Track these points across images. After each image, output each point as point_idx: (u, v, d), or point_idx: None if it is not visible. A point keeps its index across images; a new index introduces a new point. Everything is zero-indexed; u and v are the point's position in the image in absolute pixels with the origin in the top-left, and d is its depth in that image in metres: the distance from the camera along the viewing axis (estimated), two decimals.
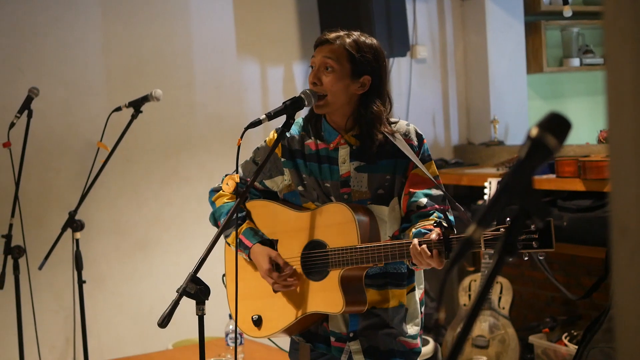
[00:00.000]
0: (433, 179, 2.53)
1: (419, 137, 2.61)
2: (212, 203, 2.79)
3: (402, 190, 2.57)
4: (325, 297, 2.53)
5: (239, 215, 2.68)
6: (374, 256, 2.45)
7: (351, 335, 2.59)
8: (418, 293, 2.67)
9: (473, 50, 5.75)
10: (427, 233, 2.40)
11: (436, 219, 2.48)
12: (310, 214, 2.59)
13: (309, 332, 2.67)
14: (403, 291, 2.61)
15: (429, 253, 2.33)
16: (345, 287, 2.50)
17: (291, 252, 2.62)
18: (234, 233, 2.64)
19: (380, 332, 2.59)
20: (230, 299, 2.75)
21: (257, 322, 2.68)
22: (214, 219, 2.76)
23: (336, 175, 2.59)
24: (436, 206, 2.53)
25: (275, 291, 2.65)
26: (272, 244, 2.68)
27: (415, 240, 2.36)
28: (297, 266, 2.61)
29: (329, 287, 2.52)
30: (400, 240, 2.46)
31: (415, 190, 2.54)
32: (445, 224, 2.35)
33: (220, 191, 2.77)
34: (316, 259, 2.57)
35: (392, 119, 2.62)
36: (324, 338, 2.64)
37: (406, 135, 2.58)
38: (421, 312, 2.69)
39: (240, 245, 2.66)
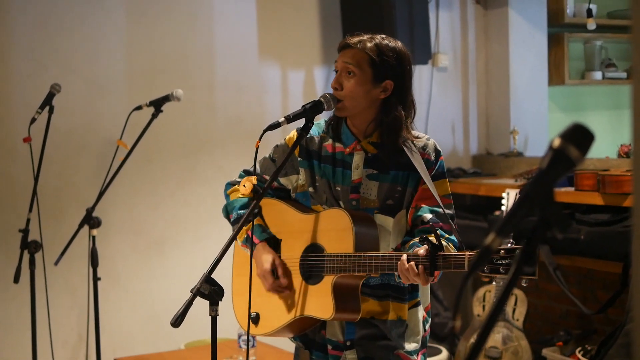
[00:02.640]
0: (438, 199, 2.48)
1: (437, 152, 2.58)
2: (227, 196, 2.80)
3: (411, 203, 2.56)
4: (318, 302, 2.53)
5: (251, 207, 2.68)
6: (365, 265, 2.43)
7: (348, 343, 2.58)
8: (422, 309, 2.64)
9: (495, 60, 5.73)
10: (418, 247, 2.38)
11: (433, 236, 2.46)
12: (314, 217, 2.59)
13: (308, 338, 2.67)
14: (404, 305, 2.58)
15: (416, 270, 2.31)
16: (337, 293, 2.48)
17: (292, 253, 2.63)
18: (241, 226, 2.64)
19: (377, 343, 2.57)
20: (234, 293, 2.78)
21: (255, 319, 2.68)
22: (226, 212, 2.77)
23: (348, 180, 2.58)
24: (441, 224, 2.50)
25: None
26: (277, 243, 2.68)
27: (404, 256, 2.35)
28: (296, 268, 2.61)
29: (322, 292, 2.52)
30: (391, 252, 2.45)
31: (422, 205, 2.52)
32: (435, 242, 2.32)
33: (236, 185, 2.77)
34: (313, 262, 2.57)
35: (415, 133, 2.60)
36: (321, 345, 2.63)
37: (424, 149, 2.56)
38: (425, 330, 2.65)
39: (246, 241, 2.66)
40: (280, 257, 2.65)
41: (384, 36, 2.57)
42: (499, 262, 2.24)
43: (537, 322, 5.05)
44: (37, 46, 4.40)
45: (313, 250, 2.58)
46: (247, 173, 2.77)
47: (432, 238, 2.34)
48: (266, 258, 2.61)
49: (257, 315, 2.67)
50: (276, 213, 2.71)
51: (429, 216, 2.50)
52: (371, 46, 2.51)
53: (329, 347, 2.60)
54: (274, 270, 2.61)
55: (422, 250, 2.33)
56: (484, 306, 4.68)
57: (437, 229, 2.47)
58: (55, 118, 3.69)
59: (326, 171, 2.62)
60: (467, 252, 2.29)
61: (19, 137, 3.80)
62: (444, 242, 2.42)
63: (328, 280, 2.50)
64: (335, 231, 2.52)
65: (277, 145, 2.74)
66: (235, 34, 4.93)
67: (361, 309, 2.52)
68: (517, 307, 4.50)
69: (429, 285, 2.67)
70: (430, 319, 2.70)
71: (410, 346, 2.58)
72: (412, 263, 2.32)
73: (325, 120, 2.68)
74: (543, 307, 5.06)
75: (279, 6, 5.06)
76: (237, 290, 2.76)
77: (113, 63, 4.60)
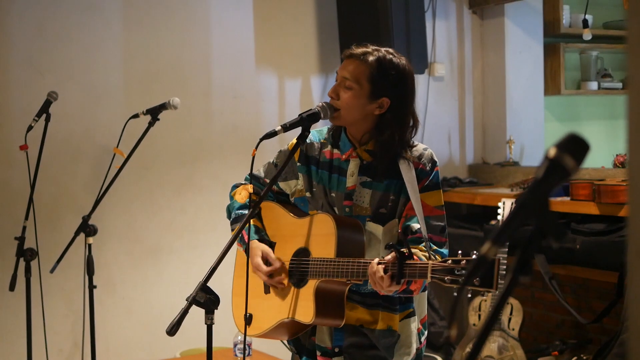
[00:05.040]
0: (420, 211, 2.45)
1: (433, 163, 2.56)
2: (231, 197, 2.83)
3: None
4: (302, 305, 2.54)
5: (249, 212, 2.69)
6: (343, 271, 2.43)
7: (336, 350, 2.58)
8: (415, 321, 2.62)
9: (491, 69, 5.75)
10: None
11: (423, 248, 2.45)
12: (305, 221, 2.61)
13: (300, 343, 2.69)
14: (394, 316, 2.57)
15: (381, 273, 2.30)
16: (319, 298, 2.49)
17: (283, 256, 2.66)
18: (237, 226, 2.66)
19: (365, 353, 2.57)
20: (233, 294, 2.81)
21: (249, 320, 2.69)
22: (229, 212, 2.80)
23: (342, 186, 2.59)
24: (430, 235, 2.49)
25: (266, 290, 2.66)
26: (271, 244, 2.70)
27: (376, 260, 2.35)
28: (286, 271, 2.63)
29: (305, 295, 2.54)
30: (367, 259, 2.43)
31: (413, 215, 2.50)
32: (404, 250, 2.30)
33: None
34: (300, 266, 2.59)
35: (413, 143, 2.59)
36: (310, 351, 2.65)
37: (419, 159, 2.55)
38: (420, 342, 2.64)
39: (240, 240, 2.68)
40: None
41: (390, 50, 2.55)
42: (458, 272, 2.21)
43: (533, 331, 5.05)
44: (35, 54, 4.40)
45: (302, 254, 2.60)
46: (252, 177, 2.78)
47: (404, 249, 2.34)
48: (255, 252, 2.62)
49: (251, 316, 2.69)
50: (273, 216, 2.74)
51: (417, 226, 2.49)
52: (373, 61, 2.50)
53: (318, 353, 2.61)
54: (267, 263, 2.63)
55: (389, 256, 2.33)
56: (479, 315, 4.68)
57: (425, 240, 2.47)
58: (52, 126, 3.69)
59: (323, 177, 2.63)
60: (430, 262, 2.27)
61: (16, 145, 3.79)
62: (428, 254, 2.42)
63: (311, 284, 2.52)
64: (321, 236, 2.54)
65: (280, 151, 2.77)
66: (232, 42, 4.93)
67: (347, 316, 2.52)
68: (513, 317, 4.50)
69: (426, 296, 2.67)
70: (426, 331, 2.69)
71: (401, 358, 2.58)
72: (379, 266, 2.32)
73: (327, 128, 2.70)
74: (539, 316, 5.06)
75: (276, 15, 5.07)
76: (236, 291, 2.80)
77: (110, 71, 4.60)
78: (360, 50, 2.53)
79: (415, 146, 2.58)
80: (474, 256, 2.20)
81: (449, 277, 2.21)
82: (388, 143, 2.51)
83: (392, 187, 2.54)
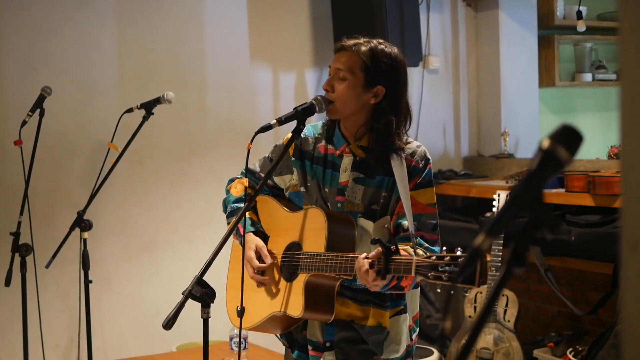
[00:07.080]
0: (409, 210, 2.44)
1: (426, 160, 2.56)
2: (227, 191, 2.83)
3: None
4: (291, 299, 2.55)
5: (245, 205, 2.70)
6: (332, 265, 2.43)
7: (327, 345, 2.59)
8: (406, 319, 2.62)
9: (486, 62, 5.75)
10: None
11: (417, 245, 2.45)
12: (297, 215, 2.62)
13: (292, 337, 2.69)
14: (385, 312, 2.57)
15: (367, 267, 2.30)
16: (309, 292, 2.49)
17: (276, 250, 2.67)
18: (233, 220, 2.66)
19: (356, 347, 2.57)
20: (228, 286, 2.82)
21: (241, 312, 2.69)
22: (224, 205, 2.82)
23: (335, 182, 2.60)
24: (422, 233, 2.49)
25: (259, 284, 2.67)
26: (265, 237, 2.71)
27: (362, 255, 2.35)
28: (277, 268, 2.64)
29: (296, 289, 2.54)
30: (356, 254, 2.43)
31: (405, 213, 2.50)
32: (389, 245, 2.28)
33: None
34: (292, 260, 2.59)
35: (407, 139, 2.58)
36: (302, 346, 2.65)
37: (412, 156, 2.54)
38: (411, 339, 2.63)
39: (236, 233, 2.70)
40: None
41: (381, 41, 2.56)
42: (442, 268, 2.19)
43: (529, 323, 5.07)
44: (29, 49, 4.39)
45: (294, 248, 2.61)
46: (247, 171, 2.78)
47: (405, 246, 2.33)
48: (249, 245, 2.64)
49: (244, 309, 2.70)
50: (267, 210, 2.75)
51: (407, 224, 2.48)
52: (365, 50, 2.50)
53: (310, 347, 2.62)
54: (259, 258, 2.64)
55: (373, 252, 2.33)
56: (475, 308, 4.69)
57: (418, 238, 2.47)
58: (46, 121, 3.69)
59: (317, 172, 2.63)
60: (415, 258, 2.25)
61: (10, 140, 3.79)
62: (420, 251, 2.41)
63: (301, 278, 2.52)
64: (312, 230, 2.54)
65: (275, 146, 2.78)
66: (226, 36, 4.93)
67: (338, 311, 2.52)
68: (509, 309, 4.51)
69: (418, 292, 2.67)
70: (418, 328, 2.68)
71: (389, 355, 2.58)
72: (365, 261, 2.32)
73: (322, 122, 2.70)
74: (534, 308, 5.07)
75: (270, 9, 5.06)
76: (230, 284, 2.81)
77: (104, 66, 4.59)
78: (351, 41, 2.54)
79: (408, 143, 2.57)
80: (457, 252, 2.20)
81: (432, 273, 2.19)
82: (384, 131, 2.51)
83: (384, 184, 2.54)
